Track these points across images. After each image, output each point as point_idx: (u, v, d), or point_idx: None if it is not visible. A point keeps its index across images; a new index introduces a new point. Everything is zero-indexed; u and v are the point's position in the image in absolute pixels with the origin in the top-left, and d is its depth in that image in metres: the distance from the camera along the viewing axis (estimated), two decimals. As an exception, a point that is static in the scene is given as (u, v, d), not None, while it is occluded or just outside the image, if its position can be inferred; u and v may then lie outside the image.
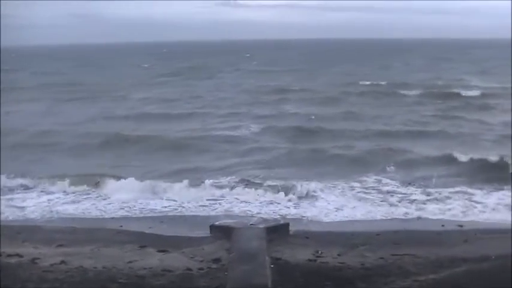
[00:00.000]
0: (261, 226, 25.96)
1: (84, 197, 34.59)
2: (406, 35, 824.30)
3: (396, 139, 48.86)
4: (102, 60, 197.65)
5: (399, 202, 32.69)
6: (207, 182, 36.17)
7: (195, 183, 36.02)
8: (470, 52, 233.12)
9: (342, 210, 31.67)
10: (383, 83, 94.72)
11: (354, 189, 35.13)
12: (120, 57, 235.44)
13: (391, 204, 32.30)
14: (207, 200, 33.52)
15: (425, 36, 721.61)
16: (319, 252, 22.42)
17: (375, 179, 37.34)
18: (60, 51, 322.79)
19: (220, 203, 33.00)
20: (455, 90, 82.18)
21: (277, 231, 25.37)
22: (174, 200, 33.62)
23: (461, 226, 28.30)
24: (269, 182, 36.13)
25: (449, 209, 31.18)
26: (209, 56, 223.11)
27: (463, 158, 40.94)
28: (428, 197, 33.43)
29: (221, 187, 35.43)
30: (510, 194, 33.12)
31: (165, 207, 32.80)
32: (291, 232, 25.94)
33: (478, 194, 33.64)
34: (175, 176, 38.26)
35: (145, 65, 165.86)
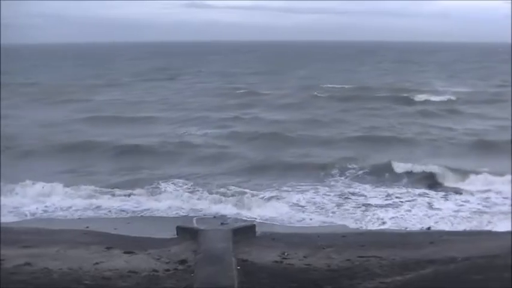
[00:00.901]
0: (228, 227, 26.03)
1: (48, 198, 34.43)
2: (372, 37, 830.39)
3: (355, 146, 48.73)
4: (65, 61, 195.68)
5: (360, 206, 33.04)
6: (165, 186, 36.30)
7: (154, 190, 36.02)
8: (437, 55, 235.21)
9: (304, 214, 31.87)
10: (348, 86, 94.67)
11: (318, 194, 35.38)
12: (85, 57, 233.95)
13: (348, 209, 32.64)
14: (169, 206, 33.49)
15: (393, 39, 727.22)
16: (286, 253, 22.43)
17: (333, 184, 37.69)
18: (24, 50, 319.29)
19: (181, 208, 32.97)
20: (421, 95, 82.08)
21: (244, 232, 25.37)
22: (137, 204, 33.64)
23: (428, 228, 28.65)
24: (233, 188, 36.22)
25: (412, 214, 31.46)
26: (174, 57, 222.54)
27: (401, 168, 40.94)
28: (388, 202, 33.86)
29: (179, 195, 35.31)
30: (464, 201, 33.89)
31: (135, 207, 32.87)
32: (257, 234, 25.98)
33: (436, 200, 34.08)
34: (131, 183, 37.95)
35: (109, 66, 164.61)
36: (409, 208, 32.47)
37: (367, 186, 37.10)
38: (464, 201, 33.68)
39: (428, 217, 30.99)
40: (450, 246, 23.06)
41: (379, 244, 24.11)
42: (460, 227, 29.09)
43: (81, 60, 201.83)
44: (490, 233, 27.31)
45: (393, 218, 30.95)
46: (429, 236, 25.98)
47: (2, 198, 34.06)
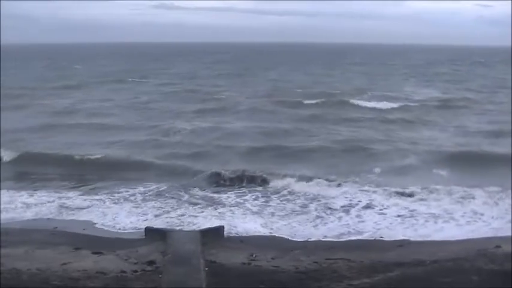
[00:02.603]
0: (196, 229, 26.09)
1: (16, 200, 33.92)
2: (343, 39, 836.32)
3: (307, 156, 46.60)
4: (30, 62, 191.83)
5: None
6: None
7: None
8: (408, 58, 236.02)
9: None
10: (314, 91, 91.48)
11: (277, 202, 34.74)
12: (52, 58, 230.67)
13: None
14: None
15: (363, 41, 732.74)
16: (254, 255, 22.49)
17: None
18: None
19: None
20: (390, 101, 78.73)
21: (212, 234, 25.42)
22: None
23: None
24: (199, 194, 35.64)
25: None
26: (142, 59, 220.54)
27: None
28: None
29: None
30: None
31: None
32: (225, 235, 26.01)
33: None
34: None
35: (76, 67, 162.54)
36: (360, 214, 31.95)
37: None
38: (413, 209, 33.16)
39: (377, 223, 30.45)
40: (418, 249, 23.21)
41: (346, 246, 24.24)
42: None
43: (48, 61, 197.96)
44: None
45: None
46: (397, 240, 26.03)
47: None
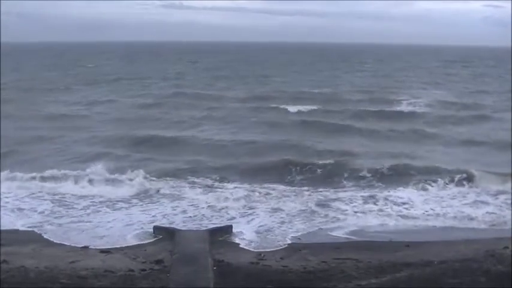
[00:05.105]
0: (204, 228, 26.07)
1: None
2: (352, 39, 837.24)
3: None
4: (30, 61, 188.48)
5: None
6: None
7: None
8: (417, 58, 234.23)
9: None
10: (318, 91, 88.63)
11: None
12: (55, 56, 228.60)
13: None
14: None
15: (372, 41, 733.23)
16: (262, 255, 22.50)
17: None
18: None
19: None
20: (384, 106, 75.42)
21: (221, 233, 25.43)
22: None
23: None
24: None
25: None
26: (149, 58, 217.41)
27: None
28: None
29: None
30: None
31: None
32: (234, 234, 25.99)
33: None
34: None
35: (90, 65, 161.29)
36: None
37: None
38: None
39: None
40: (426, 249, 23.11)
41: (354, 246, 24.18)
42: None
43: (50, 60, 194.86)
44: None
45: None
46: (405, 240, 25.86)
47: None
